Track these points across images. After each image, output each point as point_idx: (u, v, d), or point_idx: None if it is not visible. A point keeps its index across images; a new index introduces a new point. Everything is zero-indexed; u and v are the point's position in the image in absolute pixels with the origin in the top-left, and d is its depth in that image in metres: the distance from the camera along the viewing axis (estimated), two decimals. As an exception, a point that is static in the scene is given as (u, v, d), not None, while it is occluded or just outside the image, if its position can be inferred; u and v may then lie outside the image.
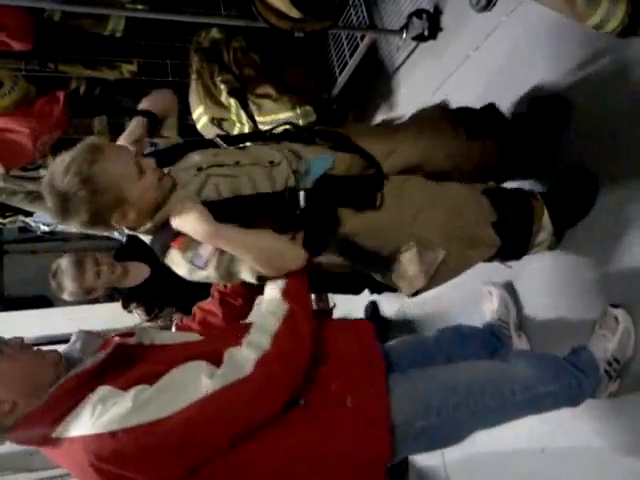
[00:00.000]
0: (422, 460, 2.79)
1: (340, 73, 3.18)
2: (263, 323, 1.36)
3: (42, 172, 2.96)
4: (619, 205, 1.81)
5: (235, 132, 2.98)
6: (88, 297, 2.41)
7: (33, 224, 3.88)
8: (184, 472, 1.19)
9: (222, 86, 2.87)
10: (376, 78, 3.24)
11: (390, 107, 3.17)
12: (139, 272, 2.53)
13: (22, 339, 1.32)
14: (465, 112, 1.97)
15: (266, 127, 2.95)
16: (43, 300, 4.63)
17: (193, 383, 1.20)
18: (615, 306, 1.76)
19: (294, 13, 2.17)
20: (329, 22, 2.37)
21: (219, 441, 1.22)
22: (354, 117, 3.44)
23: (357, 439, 1.32)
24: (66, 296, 2.39)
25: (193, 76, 2.96)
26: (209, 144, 1.71)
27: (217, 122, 2.98)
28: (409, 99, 3.01)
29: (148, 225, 1.50)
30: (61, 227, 3.76)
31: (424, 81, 2.86)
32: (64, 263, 2.33)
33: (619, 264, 1.81)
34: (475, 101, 2.11)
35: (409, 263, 1.61)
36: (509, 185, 2.01)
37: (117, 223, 1.46)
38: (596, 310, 1.82)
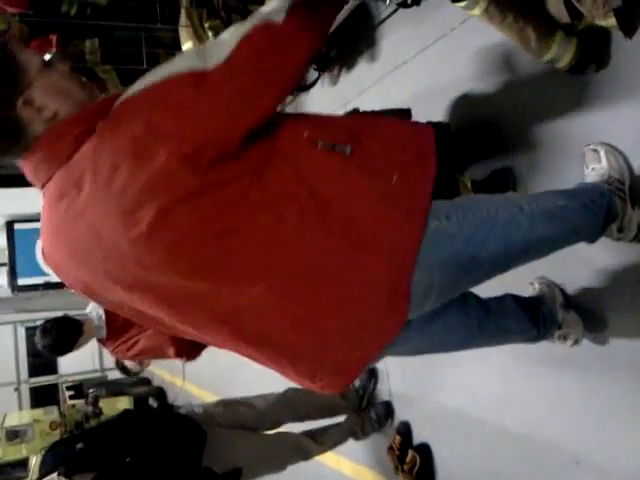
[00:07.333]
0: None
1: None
2: None
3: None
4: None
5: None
6: None
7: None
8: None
9: (209, 32, 2.95)
10: (363, 26, 3.30)
11: (372, 56, 3.28)
12: None
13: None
14: None
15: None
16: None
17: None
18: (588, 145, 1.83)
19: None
20: None
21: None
22: (337, 59, 3.55)
23: (393, 216, 1.18)
24: None
25: (183, 16, 3.02)
26: None
27: (204, 61, 3.09)
28: (388, 56, 3.14)
29: None
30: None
31: (403, 44, 2.98)
32: None
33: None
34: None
35: None
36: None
37: None
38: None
